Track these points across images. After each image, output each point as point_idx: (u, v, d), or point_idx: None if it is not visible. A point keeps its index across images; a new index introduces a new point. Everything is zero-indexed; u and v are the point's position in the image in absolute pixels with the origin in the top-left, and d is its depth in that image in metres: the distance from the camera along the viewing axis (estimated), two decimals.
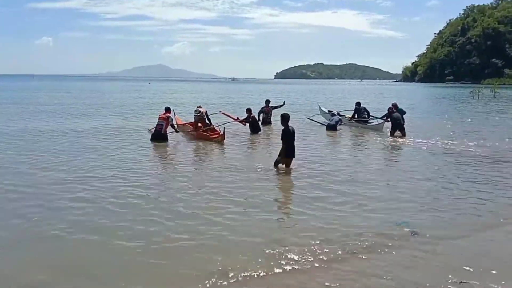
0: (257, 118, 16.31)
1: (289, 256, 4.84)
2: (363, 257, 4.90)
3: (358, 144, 14.13)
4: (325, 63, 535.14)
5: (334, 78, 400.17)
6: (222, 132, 13.27)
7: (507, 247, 5.35)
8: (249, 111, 15.56)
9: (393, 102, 17.05)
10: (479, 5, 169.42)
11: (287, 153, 9.29)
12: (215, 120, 15.09)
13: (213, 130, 14.28)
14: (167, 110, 13.86)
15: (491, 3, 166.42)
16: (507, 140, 14.39)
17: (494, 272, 4.53)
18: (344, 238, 5.44)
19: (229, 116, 15.85)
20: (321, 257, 4.85)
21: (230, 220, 6.08)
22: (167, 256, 4.86)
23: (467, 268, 4.59)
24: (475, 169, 9.93)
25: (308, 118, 19.37)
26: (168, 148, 12.77)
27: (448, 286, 4.22)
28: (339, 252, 5.01)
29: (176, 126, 14.13)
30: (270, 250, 5.01)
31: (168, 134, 13.41)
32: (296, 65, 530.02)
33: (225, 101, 37.68)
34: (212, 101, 36.31)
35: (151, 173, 9.24)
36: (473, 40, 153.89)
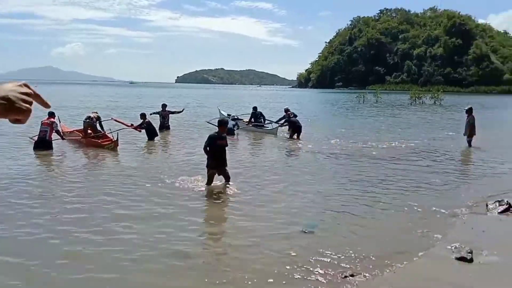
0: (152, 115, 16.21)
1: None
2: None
3: (256, 147, 14.51)
4: (226, 68, 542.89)
5: (235, 83, 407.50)
6: (115, 139, 12.59)
7: (382, 239, 5.86)
8: (143, 116, 14.92)
9: (285, 107, 17.85)
10: (364, 16, 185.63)
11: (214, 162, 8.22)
12: (107, 127, 14.26)
13: (105, 136, 13.47)
14: (51, 115, 12.50)
15: (374, 16, 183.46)
16: (386, 141, 15.89)
17: (373, 258, 4.92)
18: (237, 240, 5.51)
19: (122, 123, 15.03)
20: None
21: (129, 233, 5.79)
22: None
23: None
24: (365, 167, 10.80)
25: (208, 122, 19.35)
26: (54, 157, 11.75)
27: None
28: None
29: (62, 133, 12.99)
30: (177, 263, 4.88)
31: (53, 141, 12.29)
32: (198, 69, 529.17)
33: (119, 105, 35.86)
34: (106, 105, 34.33)
35: (35, 184, 8.42)
36: (359, 49, 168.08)
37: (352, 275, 4.47)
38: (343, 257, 4.94)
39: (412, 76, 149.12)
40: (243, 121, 18.64)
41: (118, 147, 12.44)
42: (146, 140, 14.56)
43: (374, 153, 12.91)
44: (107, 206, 6.94)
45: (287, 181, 8.97)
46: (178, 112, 18.05)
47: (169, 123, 17.47)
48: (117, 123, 14.96)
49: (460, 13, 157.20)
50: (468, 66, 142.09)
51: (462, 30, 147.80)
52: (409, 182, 9.08)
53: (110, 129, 13.60)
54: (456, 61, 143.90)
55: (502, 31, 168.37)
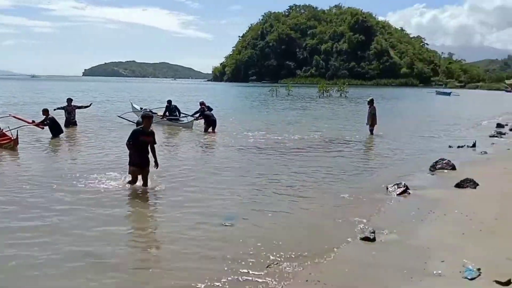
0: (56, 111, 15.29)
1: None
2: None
3: (172, 142, 14.23)
4: (137, 61, 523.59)
5: (148, 77, 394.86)
6: (14, 137, 11.54)
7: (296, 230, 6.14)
8: (45, 112, 13.83)
9: (200, 100, 17.75)
10: (275, 12, 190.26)
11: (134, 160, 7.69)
12: (5, 125, 12.99)
13: (3, 135, 12.27)
14: None
15: (284, 11, 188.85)
16: (299, 133, 16.57)
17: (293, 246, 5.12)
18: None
19: (22, 120, 13.81)
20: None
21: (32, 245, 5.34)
22: None
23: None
24: (279, 159, 11.16)
25: (119, 116, 18.58)
26: None
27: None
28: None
29: None
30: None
31: None
32: (107, 62, 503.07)
33: (18, 101, 32.73)
34: (2, 101, 31.16)
35: None
36: (271, 44, 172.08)
37: (274, 264, 4.60)
38: (263, 247, 5.05)
39: (320, 70, 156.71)
40: (157, 115, 18.14)
41: (18, 146, 11.44)
42: (50, 138, 13.55)
43: (287, 144, 13.38)
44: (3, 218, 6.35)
45: (204, 177, 8.93)
46: (85, 107, 17.06)
47: (76, 119, 16.43)
48: (16, 120, 13.71)
49: (362, 11, 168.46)
50: (370, 61, 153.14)
51: (364, 27, 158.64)
52: (320, 172, 9.54)
53: (8, 127, 12.38)
54: (359, 56, 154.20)
55: (399, 28, 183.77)
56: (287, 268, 4.51)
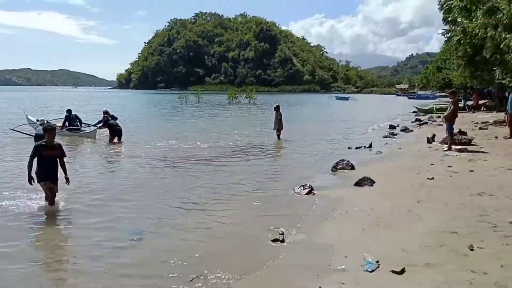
0: None
1: None
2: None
3: (74, 154, 13.26)
4: (33, 68, 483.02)
5: (46, 85, 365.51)
6: None
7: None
8: None
9: (104, 109, 16.89)
10: (181, 19, 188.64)
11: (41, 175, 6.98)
12: None
13: None
14: None
15: (190, 18, 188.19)
16: (214, 140, 16.54)
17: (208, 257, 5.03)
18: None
19: None
20: None
21: None
22: None
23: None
24: (190, 168, 10.98)
25: (13, 130, 16.90)
26: None
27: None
28: None
29: None
30: None
31: None
32: None
33: None
34: None
35: None
36: (178, 51, 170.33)
37: (196, 277, 4.46)
38: (179, 261, 4.90)
39: (229, 77, 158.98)
40: (56, 126, 16.82)
41: None
42: None
43: (198, 154, 13.24)
44: None
45: (110, 193, 8.44)
46: None
47: None
48: None
49: (266, 20, 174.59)
50: (275, 68, 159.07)
51: (268, 36, 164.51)
52: (230, 180, 9.54)
53: None
54: (265, 63, 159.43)
55: (301, 37, 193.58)
56: (211, 279, 4.42)
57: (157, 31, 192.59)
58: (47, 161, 6.96)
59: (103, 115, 16.05)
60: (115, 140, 15.16)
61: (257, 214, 6.89)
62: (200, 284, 4.29)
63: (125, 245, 5.49)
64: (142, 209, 7.17)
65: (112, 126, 15.28)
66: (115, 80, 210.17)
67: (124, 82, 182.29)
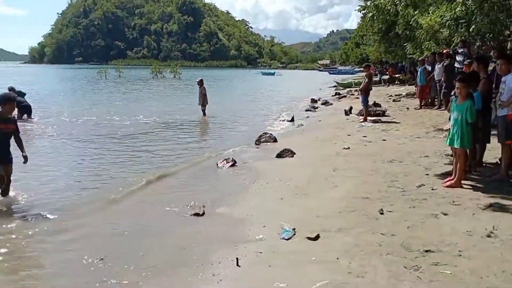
0: None
1: None
2: None
3: None
4: None
5: None
6: None
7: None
8: None
9: (9, 86, 15.40)
10: None
11: None
12: None
13: None
14: None
15: None
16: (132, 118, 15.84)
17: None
18: None
19: None
20: None
21: None
22: None
23: None
24: (108, 145, 10.45)
25: None
26: None
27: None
28: None
29: None
30: None
31: None
32: None
33: None
34: None
35: None
36: (96, 23, 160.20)
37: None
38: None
39: (153, 51, 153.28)
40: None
41: None
42: None
43: (119, 131, 12.65)
44: None
45: (24, 175, 7.75)
46: None
47: None
48: None
49: None
50: (201, 43, 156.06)
51: (192, 8, 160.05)
52: (154, 157, 9.29)
53: None
54: (190, 37, 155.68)
55: (225, 11, 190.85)
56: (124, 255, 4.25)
57: (71, 1, 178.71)
58: (2, 137, 5.86)
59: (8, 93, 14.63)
60: (24, 116, 14.03)
61: (180, 189, 6.78)
62: (111, 264, 4.10)
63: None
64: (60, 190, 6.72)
65: (19, 103, 13.98)
66: (27, 54, 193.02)
67: (37, 56, 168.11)
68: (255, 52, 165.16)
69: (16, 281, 3.89)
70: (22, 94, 14.72)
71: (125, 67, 70.02)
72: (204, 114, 15.90)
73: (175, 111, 17.87)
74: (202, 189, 6.73)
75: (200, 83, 15.89)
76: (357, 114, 14.32)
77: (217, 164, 8.27)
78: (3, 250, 4.52)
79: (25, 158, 6.03)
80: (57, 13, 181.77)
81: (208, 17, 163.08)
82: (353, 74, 57.26)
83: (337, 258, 3.83)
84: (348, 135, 10.77)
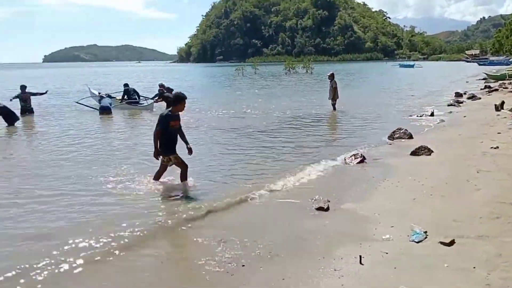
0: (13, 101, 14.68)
1: None
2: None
3: (134, 124, 13.89)
4: (99, 44, 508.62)
5: (111, 60, 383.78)
6: None
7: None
8: None
9: (159, 82, 17.34)
10: None
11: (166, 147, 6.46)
12: None
13: None
14: None
15: None
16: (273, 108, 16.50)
17: None
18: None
19: None
20: None
21: None
22: None
23: None
24: (242, 138, 11.08)
25: (77, 102, 17.92)
26: None
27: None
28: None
29: None
30: None
31: None
32: (67, 46, 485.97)
33: None
34: None
35: None
36: (235, 23, 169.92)
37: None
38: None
39: (287, 48, 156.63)
40: (116, 99, 17.67)
41: None
42: (6, 126, 12.96)
43: (253, 123, 13.22)
44: None
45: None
46: (41, 94, 16.35)
47: (32, 106, 15.76)
48: None
49: None
50: (335, 36, 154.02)
51: (327, 2, 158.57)
52: (284, 148, 9.50)
53: None
54: (324, 31, 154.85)
55: (361, 3, 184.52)
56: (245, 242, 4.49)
57: (214, 3, 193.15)
58: (173, 133, 6.43)
59: (158, 88, 16.55)
60: None
61: (306, 183, 6.80)
62: (228, 248, 4.32)
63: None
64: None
65: (167, 98, 15.71)
66: (176, 54, 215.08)
67: (185, 56, 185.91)
68: (393, 44, 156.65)
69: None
70: (170, 90, 16.47)
71: (261, 64, 72.81)
72: (334, 108, 15.68)
73: (305, 105, 18.01)
74: (328, 184, 6.66)
75: (331, 77, 15.71)
76: (510, 110, 12.58)
77: (345, 160, 8.10)
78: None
79: (190, 150, 6.55)
80: (202, 15, 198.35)
81: (343, 10, 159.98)
82: (508, 65, 50.33)
83: (474, 267, 3.44)
84: (498, 133, 9.54)
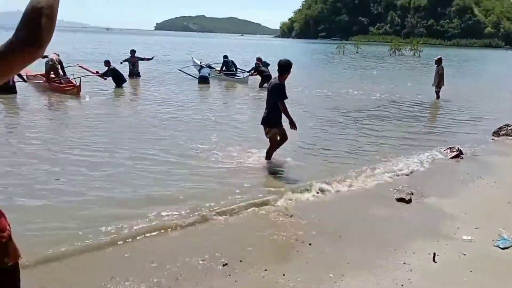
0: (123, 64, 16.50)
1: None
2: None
3: (232, 97, 14.39)
4: (207, 15, 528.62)
5: (216, 32, 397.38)
6: (78, 84, 12.37)
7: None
8: (107, 63, 14.53)
9: (257, 56, 17.57)
10: None
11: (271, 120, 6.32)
12: (71, 73, 13.97)
13: (68, 81, 13.19)
14: None
15: None
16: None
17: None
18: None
19: (87, 70, 14.64)
20: None
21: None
22: None
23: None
24: (338, 119, 10.93)
25: (180, 70, 19.00)
26: (18, 103, 11.46)
27: None
28: None
29: (26, 76, 12.78)
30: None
31: (16, 84, 11.94)
32: (177, 16, 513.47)
33: (89, 51, 34.24)
34: (81, 53, 32.82)
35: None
36: None
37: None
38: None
39: (395, 28, 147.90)
40: (215, 70, 18.42)
41: (80, 93, 12.31)
42: (115, 87, 14.31)
43: (348, 106, 12.75)
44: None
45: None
46: (148, 59, 17.59)
47: (139, 70, 17.11)
48: (82, 69, 14.57)
49: None
50: (451, 19, 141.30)
51: None
52: (376, 134, 9.13)
53: (73, 74, 13.36)
54: (439, 12, 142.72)
55: None
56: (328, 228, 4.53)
57: None
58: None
59: (255, 62, 16.83)
60: (265, 85, 15.83)
61: (393, 172, 6.46)
62: (298, 226, 4.36)
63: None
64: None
65: (262, 72, 15.97)
66: (278, 28, 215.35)
67: (287, 31, 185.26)
68: None
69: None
70: (267, 65, 16.68)
71: (365, 43, 70.18)
72: (438, 96, 14.59)
73: (406, 90, 16.97)
74: (415, 176, 6.32)
75: (438, 62, 14.55)
76: None
77: (440, 152, 7.58)
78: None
79: (294, 124, 6.19)
80: None
81: None
82: None
83: None
84: None
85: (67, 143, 7.32)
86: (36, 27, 1.13)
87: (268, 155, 6.51)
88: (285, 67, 6.17)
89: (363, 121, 10.47)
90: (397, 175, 6.27)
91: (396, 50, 51.57)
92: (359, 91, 15.95)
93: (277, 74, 6.32)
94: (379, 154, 7.40)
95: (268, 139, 6.45)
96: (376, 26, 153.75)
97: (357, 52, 51.68)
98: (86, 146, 7.18)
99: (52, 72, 13.26)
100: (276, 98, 6.12)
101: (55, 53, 13.59)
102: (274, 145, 6.45)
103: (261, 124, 6.41)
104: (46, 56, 12.92)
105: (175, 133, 8.34)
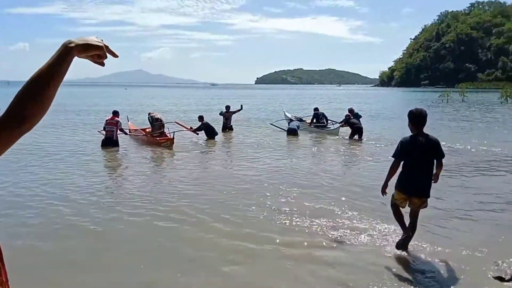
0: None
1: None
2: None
3: (318, 149, 14.18)
4: (305, 68, 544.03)
5: (314, 83, 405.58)
6: (172, 137, 13.38)
7: None
8: (201, 118, 15.63)
9: (349, 107, 17.32)
10: (452, 11, 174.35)
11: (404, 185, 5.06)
12: (172, 129, 15.17)
13: (164, 135, 14.27)
14: (115, 113, 13.41)
15: (464, 10, 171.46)
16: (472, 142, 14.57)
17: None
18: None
19: (183, 126, 15.90)
20: None
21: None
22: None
23: None
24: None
25: (272, 124, 19.44)
26: (119, 154, 12.63)
27: None
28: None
29: (129, 130, 14.72)
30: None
31: (119, 138, 13.38)
32: (276, 70, 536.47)
33: (196, 107, 36.89)
34: (190, 107, 35.29)
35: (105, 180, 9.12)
36: (447, 45, 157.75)
37: None
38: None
39: (508, 73, 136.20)
40: (306, 122, 18.60)
41: (173, 146, 13.20)
42: (206, 139, 15.10)
43: (452, 159, 11.64)
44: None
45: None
46: (238, 110, 18.28)
47: (232, 124, 17.87)
48: (178, 125, 15.91)
49: None
50: None
51: None
52: (476, 196, 8.15)
53: (168, 129, 14.50)
54: None
55: None
56: None
57: (424, 26, 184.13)
58: (419, 162, 5.00)
59: (346, 114, 16.62)
60: (356, 137, 15.46)
61: (494, 242, 5.59)
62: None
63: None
64: None
65: (352, 125, 15.69)
66: (377, 78, 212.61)
67: (386, 80, 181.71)
68: None
69: None
70: (358, 116, 16.31)
71: (472, 90, 65.23)
72: None
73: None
74: None
75: None
76: None
77: None
78: None
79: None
80: (410, 39, 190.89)
81: None
82: None
83: None
84: None
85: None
86: (23, 104, 1.13)
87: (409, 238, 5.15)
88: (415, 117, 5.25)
89: (463, 180, 9.39)
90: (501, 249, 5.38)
91: (508, 97, 46.95)
92: (469, 145, 14.40)
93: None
94: (483, 221, 6.48)
95: (415, 210, 5.12)
96: (486, 72, 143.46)
97: (462, 100, 48.22)
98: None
99: (162, 129, 14.42)
100: (442, 155, 5.15)
101: (156, 115, 14.95)
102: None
103: (417, 195, 5.03)
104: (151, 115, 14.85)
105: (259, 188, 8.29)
